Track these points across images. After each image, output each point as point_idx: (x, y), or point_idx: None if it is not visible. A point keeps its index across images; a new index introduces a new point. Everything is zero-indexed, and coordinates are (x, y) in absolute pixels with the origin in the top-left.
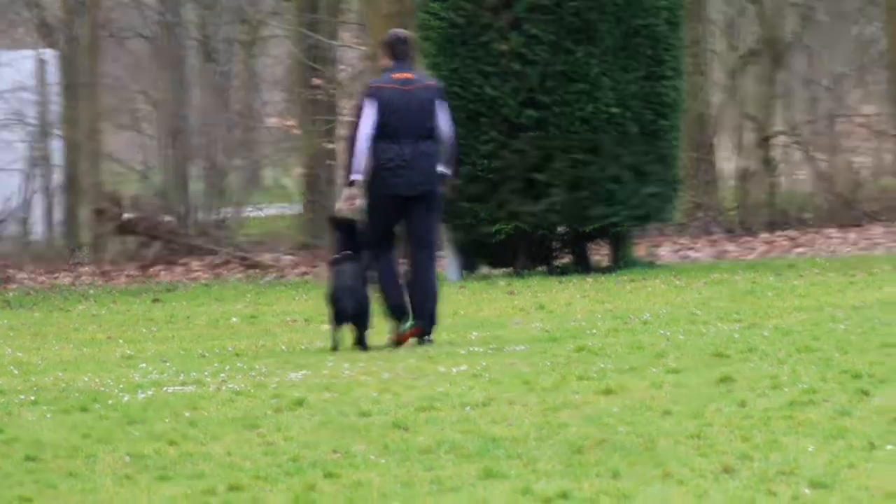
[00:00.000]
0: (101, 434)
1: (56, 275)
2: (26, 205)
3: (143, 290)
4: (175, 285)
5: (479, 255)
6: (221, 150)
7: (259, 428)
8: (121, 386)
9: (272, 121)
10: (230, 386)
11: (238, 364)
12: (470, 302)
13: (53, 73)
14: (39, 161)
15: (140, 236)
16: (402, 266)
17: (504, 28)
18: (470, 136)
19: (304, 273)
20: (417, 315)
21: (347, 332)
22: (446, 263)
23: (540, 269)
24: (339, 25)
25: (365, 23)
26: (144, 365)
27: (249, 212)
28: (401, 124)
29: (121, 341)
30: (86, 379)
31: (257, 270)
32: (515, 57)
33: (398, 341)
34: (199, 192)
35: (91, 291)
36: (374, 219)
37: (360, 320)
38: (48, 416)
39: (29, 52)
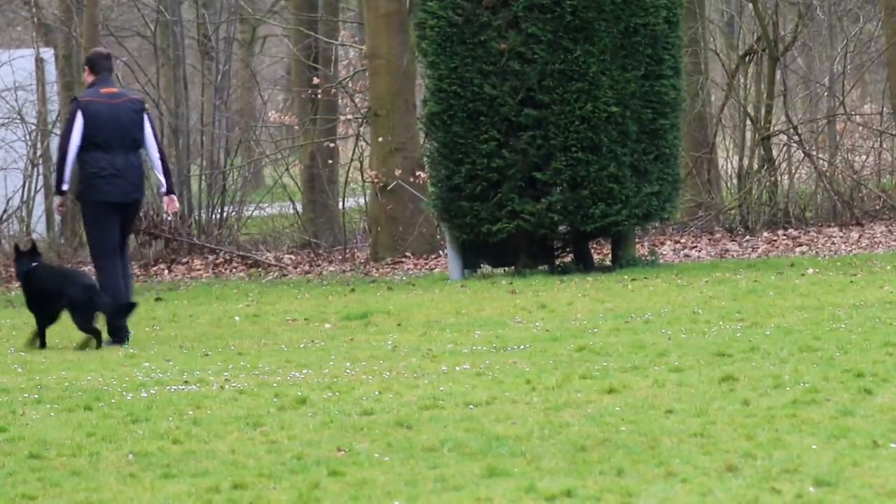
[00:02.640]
0: (105, 432)
1: None
2: (27, 204)
3: (145, 288)
4: (177, 284)
5: (480, 255)
6: (222, 148)
7: (262, 426)
8: (124, 385)
9: (272, 118)
10: (233, 385)
11: (241, 363)
12: (471, 301)
13: (52, 72)
14: (39, 160)
15: (141, 235)
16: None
17: (502, 27)
18: (469, 135)
19: (306, 272)
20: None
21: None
22: (448, 262)
23: (541, 268)
24: (337, 24)
25: (364, 22)
26: (147, 364)
27: (250, 211)
28: (111, 136)
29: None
30: (89, 378)
31: (259, 269)
32: (514, 56)
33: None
34: (200, 191)
35: None
36: (95, 223)
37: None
38: (52, 414)
39: (27, 52)
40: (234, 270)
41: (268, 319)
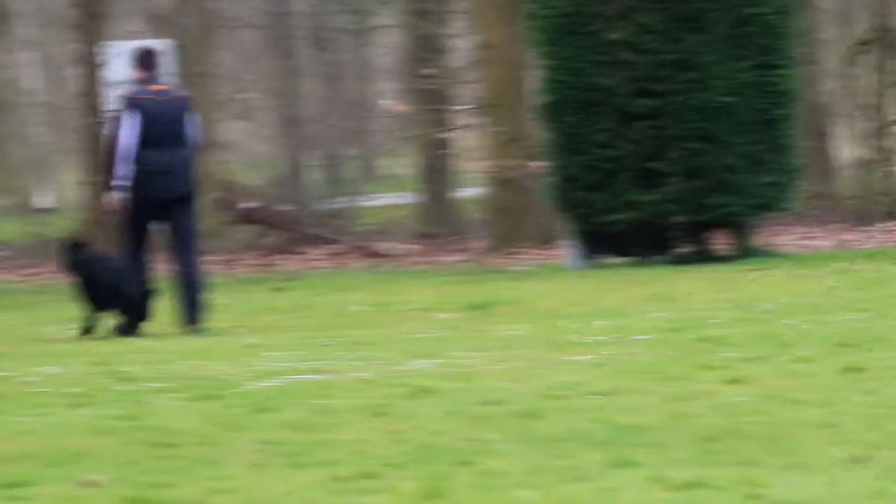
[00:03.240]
0: (232, 422)
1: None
2: None
3: (265, 278)
4: (295, 274)
5: (598, 245)
6: (337, 139)
7: (387, 416)
8: (249, 374)
9: (386, 105)
10: (356, 374)
11: (362, 352)
12: (591, 291)
13: (166, 64)
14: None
15: (259, 226)
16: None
17: (614, 17)
18: (583, 125)
19: (424, 262)
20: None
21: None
22: (567, 253)
23: (659, 258)
24: (449, 14)
25: (475, 12)
26: (270, 353)
27: (367, 201)
28: (160, 133)
29: (245, 330)
30: (215, 367)
31: (376, 259)
32: (626, 46)
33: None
34: (316, 182)
35: (215, 280)
36: (134, 219)
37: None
38: (179, 403)
39: (141, 43)
40: (352, 260)
41: (388, 309)
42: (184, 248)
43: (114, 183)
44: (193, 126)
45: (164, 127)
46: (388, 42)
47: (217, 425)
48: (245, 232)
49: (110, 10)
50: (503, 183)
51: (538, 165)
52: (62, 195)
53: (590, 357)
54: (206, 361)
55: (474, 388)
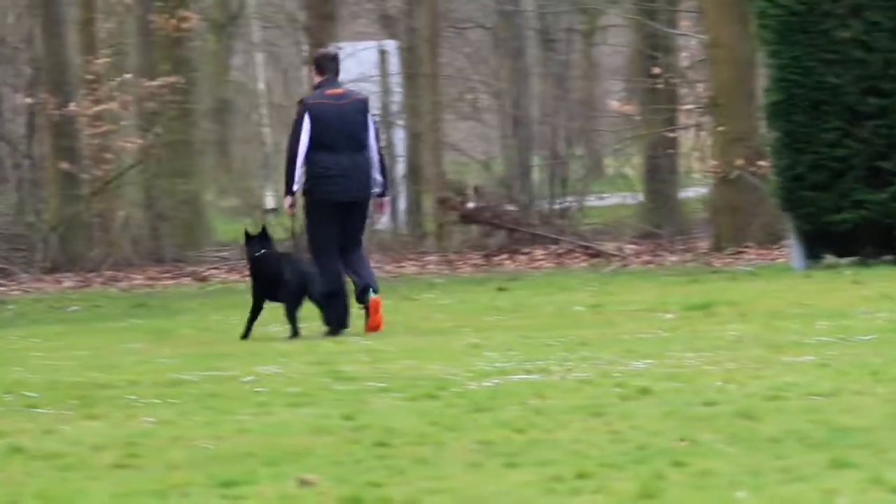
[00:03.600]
0: (450, 421)
1: (402, 264)
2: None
3: (488, 278)
4: (519, 274)
5: (823, 244)
6: (562, 139)
7: (605, 416)
8: (468, 374)
9: (613, 105)
10: (575, 374)
11: (583, 353)
12: (815, 291)
13: (395, 64)
14: (383, 151)
15: (483, 225)
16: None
17: (844, 15)
18: (811, 124)
19: (648, 262)
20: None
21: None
22: (790, 253)
23: (887, 258)
24: (677, 13)
25: (703, 11)
26: (490, 353)
27: (591, 201)
28: (337, 137)
29: (467, 330)
30: (433, 367)
31: (600, 259)
32: (857, 44)
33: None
34: (541, 181)
35: (437, 280)
36: (318, 222)
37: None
38: (397, 403)
39: (371, 44)
40: (575, 260)
41: (609, 309)
42: (349, 249)
43: (289, 185)
44: (372, 129)
45: (339, 131)
46: (615, 41)
47: (435, 425)
48: (469, 232)
49: (340, 11)
50: (728, 182)
51: (764, 165)
52: None
53: (811, 358)
54: (426, 361)
55: (692, 388)
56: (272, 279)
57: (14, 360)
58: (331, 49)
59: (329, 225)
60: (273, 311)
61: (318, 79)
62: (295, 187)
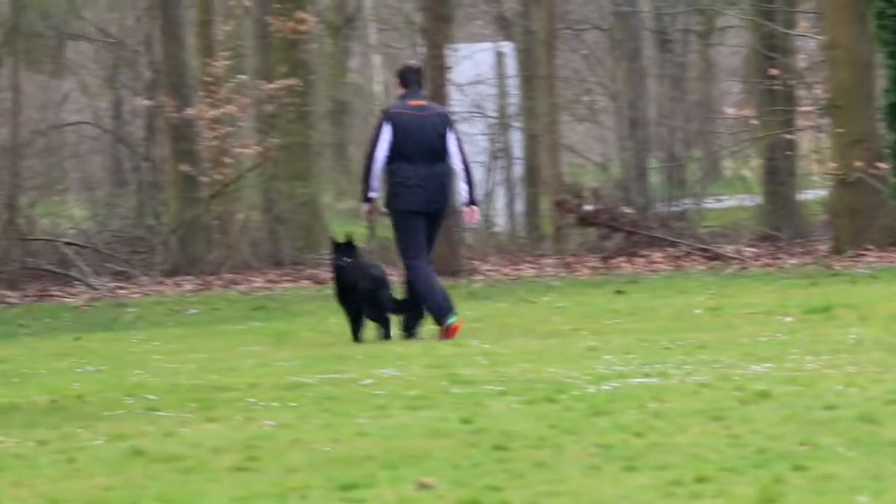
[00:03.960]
0: (568, 425)
1: (520, 266)
2: (488, 197)
3: (606, 281)
4: (637, 277)
5: None
6: (680, 141)
7: (724, 420)
8: (586, 377)
9: (730, 110)
10: (694, 378)
11: (701, 356)
12: None
13: (511, 66)
14: (500, 153)
15: (601, 228)
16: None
17: None
18: None
19: (767, 265)
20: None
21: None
22: None
23: None
24: (795, 14)
25: (821, 11)
26: (609, 356)
27: (709, 203)
28: (416, 147)
29: (585, 333)
30: (551, 370)
31: (719, 262)
32: None
33: (444, 335)
34: (659, 184)
35: (555, 283)
36: (403, 230)
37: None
38: (515, 406)
39: (487, 46)
40: (693, 263)
41: (728, 312)
42: None
43: (365, 193)
44: (453, 142)
45: (418, 142)
46: (733, 42)
47: (553, 428)
48: (587, 234)
49: (456, 13)
50: (848, 184)
51: (884, 167)
52: None
53: None
54: (544, 364)
55: (812, 392)
56: (350, 288)
57: (134, 363)
58: (413, 62)
59: (414, 233)
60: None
61: (401, 90)
62: (371, 195)
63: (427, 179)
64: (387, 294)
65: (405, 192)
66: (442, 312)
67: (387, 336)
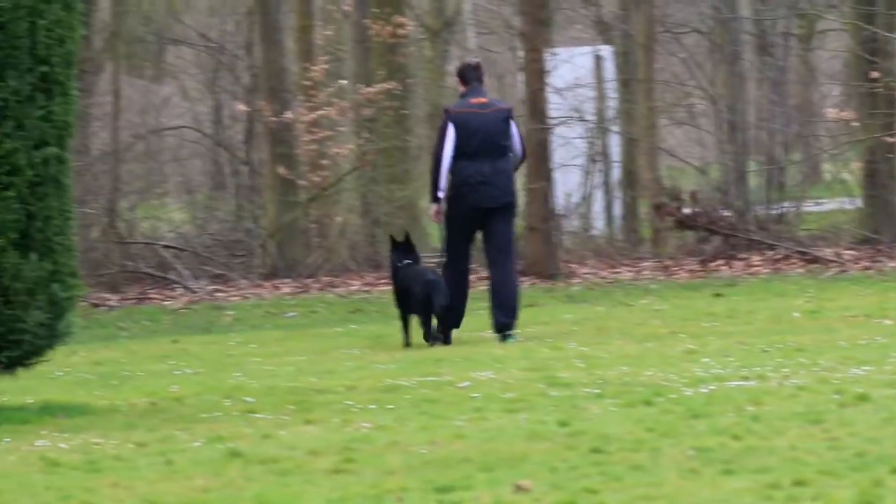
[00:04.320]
0: (666, 428)
1: (618, 269)
2: (586, 201)
3: (704, 284)
4: (735, 280)
5: None
6: (779, 144)
7: (822, 423)
8: (683, 380)
9: (830, 113)
10: (792, 381)
11: (800, 359)
12: None
13: (610, 70)
14: (598, 157)
15: (699, 231)
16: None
17: None
18: None
19: (866, 268)
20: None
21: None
22: None
23: None
24: None
25: None
26: (707, 359)
27: (808, 206)
28: (479, 145)
29: (683, 336)
30: (649, 373)
31: (818, 265)
32: None
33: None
34: (757, 187)
35: (653, 286)
36: (453, 230)
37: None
38: (613, 409)
39: (586, 49)
40: (792, 266)
41: (827, 315)
42: (498, 257)
43: (434, 193)
44: (515, 138)
45: (480, 139)
46: (833, 46)
47: (651, 431)
48: (685, 237)
49: (555, 17)
50: None
51: None
52: None
53: None
54: (641, 367)
55: None
56: (406, 290)
57: (233, 366)
58: (472, 59)
59: (464, 234)
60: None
61: (462, 89)
62: (440, 194)
63: (492, 176)
64: (440, 300)
65: (468, 190)
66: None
67: (445, 341)
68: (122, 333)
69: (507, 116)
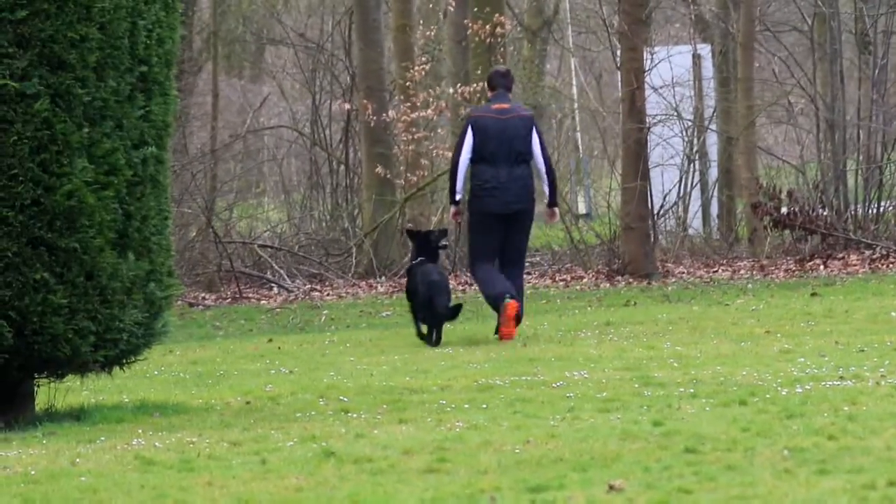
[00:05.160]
0: (760, 428)
1: (714, 269)
2: (684, 200)
3: (801, 284)
4: (833, 279)
5: None
6: (878, 143)
7: None
8: (779, 380)
9: None
10: (889, 381)
11: None
12: None
13: (709, 68)
14: (696, 156)
15: (796, 230)
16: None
17: None
18: None
19: None
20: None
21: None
22: None
23: None
24: None
25: None
26: (802, 359)
27: None
28: (497, 150)
29: (779, 335)
30: (744, 373)
31: None
32: None
33: (502, 334)
34: (856, 186)
35: (749, 286)
36: (475, 232)
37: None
38: (707, 409)
39: (685, 48)
40: (890, 265)
41: None
42: (508, 261)
43: (451, 195)
44: (536, 147)
45: (500, 144)
46: None
47: (745, 431)
48: (783, 236)
49: (655, 16)
50: None
51: None
52: (599, 201)
53: None
54: (736, 367)
55: None
56: (413, 290)
57: (327, 365)
58: (501, 66)
59: (487, 235)
60: (586, 316)
61: (490, 94)
62: (457, 197)
63: (507, 181)
64: (442, 301)
65: (484, 194)
66: (498, 296)
67: (436, 342)
68: (218, 333)
69: (528, 124)
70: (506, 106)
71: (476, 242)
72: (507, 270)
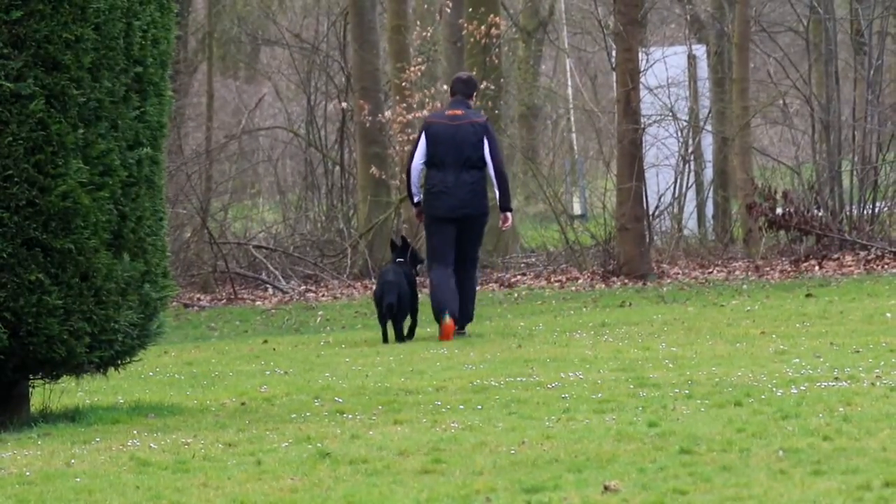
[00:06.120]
0: (755, 428)
1: (709, 270)
2: (679, 200)
3: (796, 284)
4: (828, 280)
5: None
6: (874, 143)
7: None
8: (774, 381)
9: None
10: (885, 382)
11: (892, 360)
12: None
13: (704, 69)
14: (691, 157)
15: (792, 231)
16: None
17: None
18: None
19: None
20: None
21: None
22: None
23: None
24: None
25: None
26: (798, 360)
27: None
28: (446, 155)
29: (774, 336)
30: (739, 374)
31: None
32: None
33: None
34: (851, 187)
35: (744, 286)
36: (429, 234)
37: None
38: (702, 409)
39: (680, 49)
40: (885, 266)
41: None
42: (461, 263)
43: (410, 198)
44: (486, 150)
45: (448, 150)
46: None
47: (740, 432)
48: (778, 237)
49: (650, 16)
50: None
51: None
52: (594, 201)
53: None
54: (731, 368)
55: None
56: (379, 290)
57: (322, 366)
58: (463, 73)
59: (439, 237)
60: (579, 317)
61: (451, 99)
62: (416, 199)
63: (454, 186)
64: (389, 299)
65: (431, 198)
66: (440, 310)
67: (397, 338)
68: (213, 334)
69: (479, 130)
70: (459, 112)
71: (430, 244)
72: (460, 273)
